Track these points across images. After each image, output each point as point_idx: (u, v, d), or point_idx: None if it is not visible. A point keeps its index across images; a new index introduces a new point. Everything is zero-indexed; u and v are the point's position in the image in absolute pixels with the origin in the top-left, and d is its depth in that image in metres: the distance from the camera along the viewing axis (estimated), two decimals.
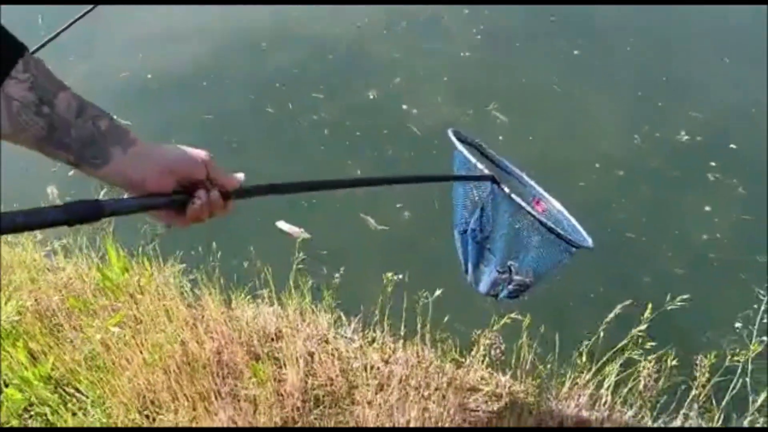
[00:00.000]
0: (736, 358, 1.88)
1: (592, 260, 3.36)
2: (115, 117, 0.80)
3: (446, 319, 2.71)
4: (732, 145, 4.05)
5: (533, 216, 2.17)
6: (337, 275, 2.90)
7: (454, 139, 2.40)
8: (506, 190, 2.22)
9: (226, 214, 0.88)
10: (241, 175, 0.89)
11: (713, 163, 3.91)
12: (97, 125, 0.74)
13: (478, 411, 2.25)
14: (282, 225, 3.56)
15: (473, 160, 2.31)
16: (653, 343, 2.23)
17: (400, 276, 3.15)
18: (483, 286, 2.53)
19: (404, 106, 4.47)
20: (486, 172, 2.26)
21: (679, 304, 3.08)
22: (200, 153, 0.83)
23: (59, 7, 3.83)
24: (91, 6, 2.37)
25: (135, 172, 0.76)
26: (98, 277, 2.38)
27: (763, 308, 1.98)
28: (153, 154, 0.79)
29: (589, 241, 2.29)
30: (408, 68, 4.79)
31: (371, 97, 4.59)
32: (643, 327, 1.87)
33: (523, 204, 2.18)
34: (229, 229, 3.49)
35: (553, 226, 2.18)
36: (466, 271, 2.63)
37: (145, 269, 2.42)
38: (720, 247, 3.40)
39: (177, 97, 4.59)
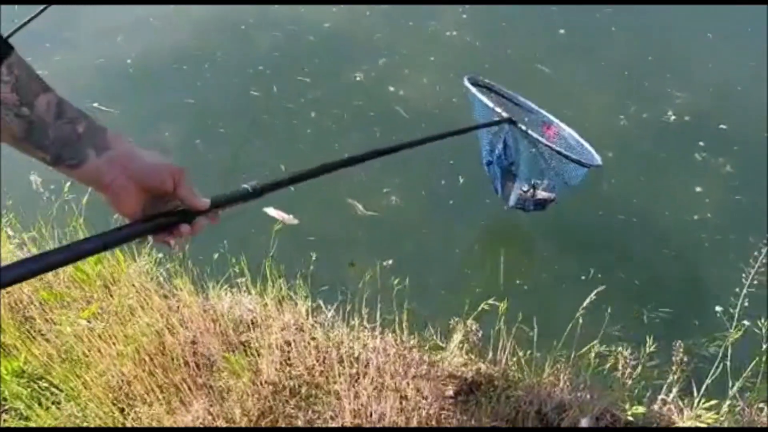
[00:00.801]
0: (717, 342, 1.85)
1: (582, 242, 3.35)
2: (93, 116, 0.78)
3: (427, 305, 2.70)
4: (722, 126, 4.00)
5: (547, 145, 2.61)
6: (320, 261, 2.88)
7: (470, 85, 2.82)
8: (523, 127, 2.65)
9: (195, 235, 0.86)
10: (207, 201, 0.86)
11: (702, 143, 3.86)
12: (74, 128, 0.74)
13: (456, 398, 2.23)
14: (271, 211, 3.52)
15: (491, 104, 2.71)
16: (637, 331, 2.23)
17: (390, 262, 3.14)
18: (512, 201, 3.04)
19: (391, 88, 4.41)
20: (504, 114, 2.66)
21: (667, 286, 3.11)
22: (170, 167, 0.80)
23: None
24: (43, 6, 2.28)
25: (106, 175, 0.77)
26: (71, 269, 2.34)
27: (744, 292, 1.94)
28: (125, 160, 0.78)
29: (598, 159, 2.73)
30: (393, 49, 4.71)
31: (357, 79, 4.52)
32: (618, 327, 1.83)
33: (538, 137, 2.63)
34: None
35: (564, 151, 2.61)
36: (497, 191, 3.10)
37: (118, 260, 2.38)
38: (711, 227, 3.38)
39: (158, 82, 4.51)
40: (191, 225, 0.83)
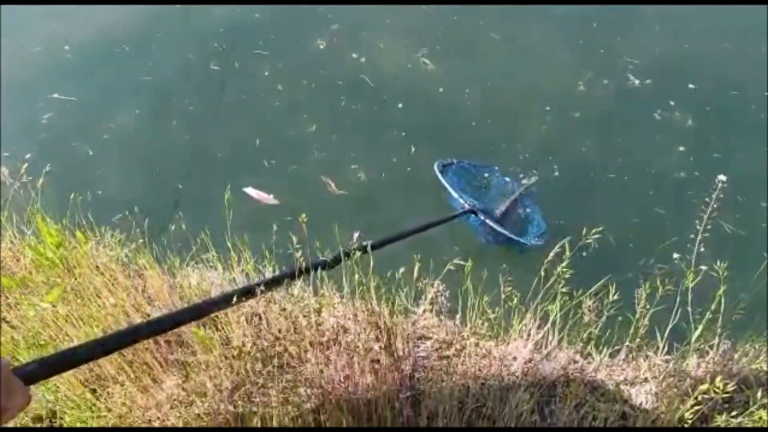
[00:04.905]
0: (670, 288, 1.89)
1: (575, 205, 3.40)
2: None
3: (397, 272, 2.72)
4: (690, 85, 4.05)
5: (500, 230, 3.03)
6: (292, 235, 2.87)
7: (438, 173, 3.26)
8: (482, 217, 3.09)
9: None
10: None
11: (672, 102, 3.92)
12: None
13: (428, 359, 2.26)
14: (250, 191, 3.49)
15: (455, 194, 3.17)
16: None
17: (358, 232, 3.15)
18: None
19: (354, 55, 4.37)
20: (467, 206, 3.11)
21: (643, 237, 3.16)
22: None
23: None
24: None
25: None
26: (32, 254, 2.30)
27: (699, 238, 1.98)
28: None
29: (541, 242, 3.09)
30: (344, 15, 4.66)
31: (321, 47, 4.47)
32: (564, 264, 1.85)
33: (495, 226, 3.04)
34: (190, 197, 3.45)
35: (515, 237, 3.04)
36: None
37: (79, 242, 2.33)
38: (699, 184, 3.44)
39: (104, 65, 4.45)
40: None
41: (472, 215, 3.14)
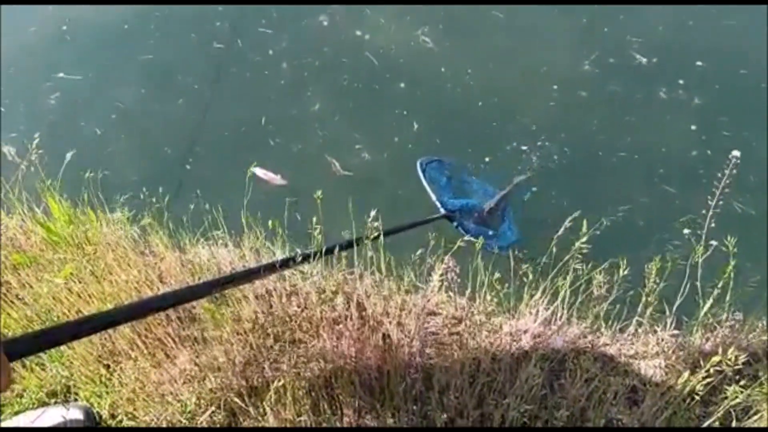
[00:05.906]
0: (680, 262, 1.90)
1: (585, 184, 3.39)
2: None
3: (404, 249, 2.73)
4: (698, 63, 4.01)
5: (469, 238, 2.80)
6: (301, 214, 2.88)
7: (421, 174, 3.24)
8: (454, 224, 3.12)
9: None
10: None
11: (681, 81, 3.89)
12: None
13: (438, 334, 2.27)
14: (258, 171, 3.49)
15: (434, 197, 3.15)
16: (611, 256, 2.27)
17: (372, 213, 3.17)
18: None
19: (358, 32, 4.33)
20: (442, 211, 3.10)
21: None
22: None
23: None
24: None
25: None
26: (42, 232, 2.31)
27: (710, 213, 1.98)
28: None
29: (504, 252, 2.93)
30: None
31: (324, 24, 4.43)
32: (583, 239, 1.85)
33: (463, 233, 3.01)
34: (198, 175, 3.45)
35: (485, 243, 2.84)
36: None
37: (90, 219, 2.34)
38: (710, 163, 3.43)
39: (103, 44, 4.43)
40: None
41: (448, 220, 3.13)
